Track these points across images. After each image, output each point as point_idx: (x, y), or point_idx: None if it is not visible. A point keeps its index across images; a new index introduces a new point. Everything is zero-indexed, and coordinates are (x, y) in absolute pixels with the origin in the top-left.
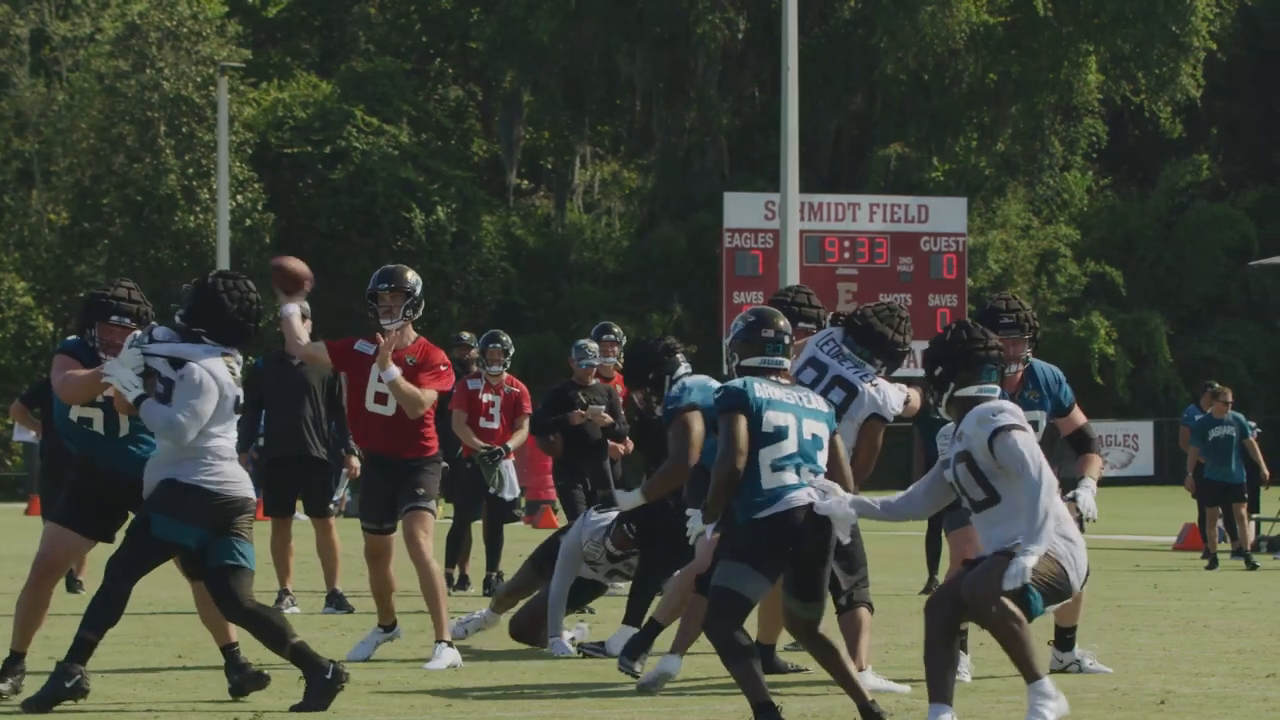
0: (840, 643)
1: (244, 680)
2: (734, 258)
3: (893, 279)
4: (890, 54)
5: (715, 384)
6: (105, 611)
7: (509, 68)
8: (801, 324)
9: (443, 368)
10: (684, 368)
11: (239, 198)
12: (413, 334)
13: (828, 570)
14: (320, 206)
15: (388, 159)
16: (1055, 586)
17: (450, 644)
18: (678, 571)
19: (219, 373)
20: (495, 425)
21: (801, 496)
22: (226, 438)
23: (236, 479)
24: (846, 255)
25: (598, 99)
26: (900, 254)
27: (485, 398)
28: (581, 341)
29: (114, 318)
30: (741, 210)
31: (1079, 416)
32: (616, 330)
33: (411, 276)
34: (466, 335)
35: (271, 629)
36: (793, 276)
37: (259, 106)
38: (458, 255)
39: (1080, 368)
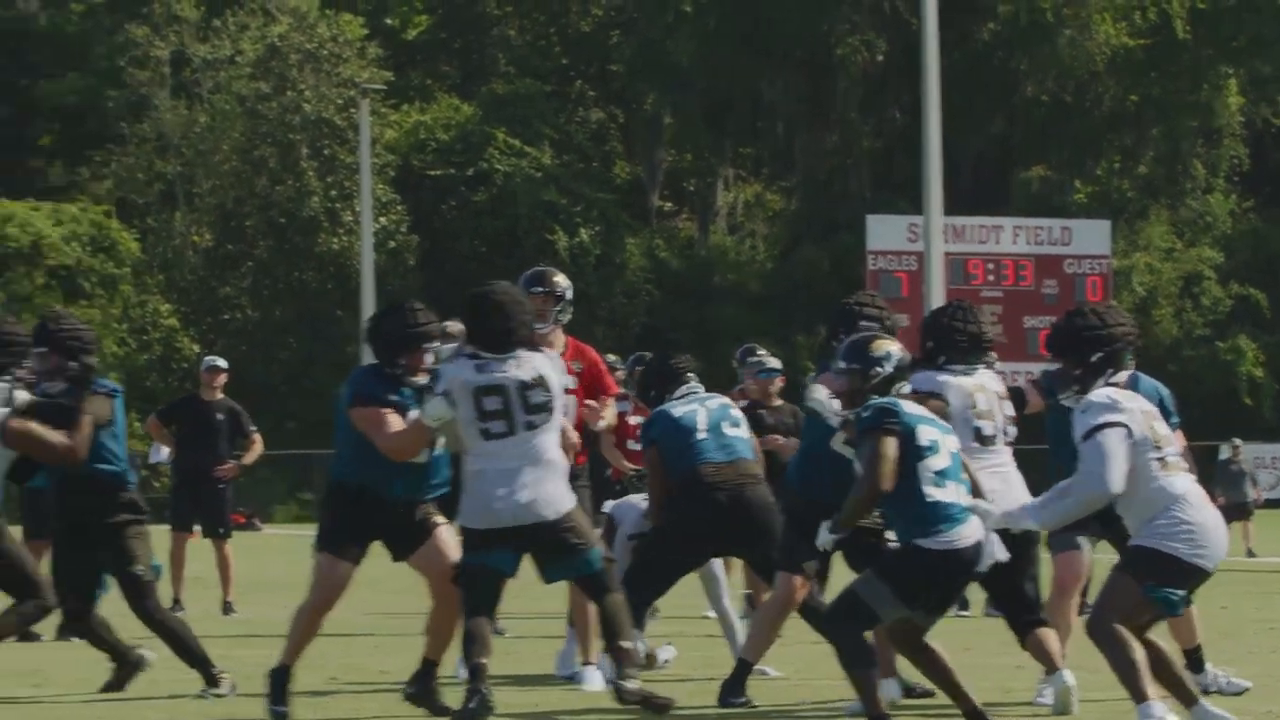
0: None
1: (421, 695)
2: (878, 279)
3: (1037, 301)
4: (1030, 77)
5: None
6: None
7: (649, 90)
8: (863, 322)
9: (603, 366)
10: (691, 386)
11: (382, 220)
12: (562, 337)
13: (1028, 579)
14: (463, 229)
15: (530, 181)
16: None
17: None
18: (760, 606)
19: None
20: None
21: (968, 533)
22: None
23: None
24: (991, 278)
25: (738, 121)
26: (1045, 276)
27: (633, 420)
28: (756, 355)
29: (426, 344)
30: (885, 232)
31: (1179, 439)
32: (761, 352)
33: (561, 279)
34: (612, 357)
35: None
36: (937, 298)
37: (400, 129)
38: (602, 277)
39: (1228, 390)
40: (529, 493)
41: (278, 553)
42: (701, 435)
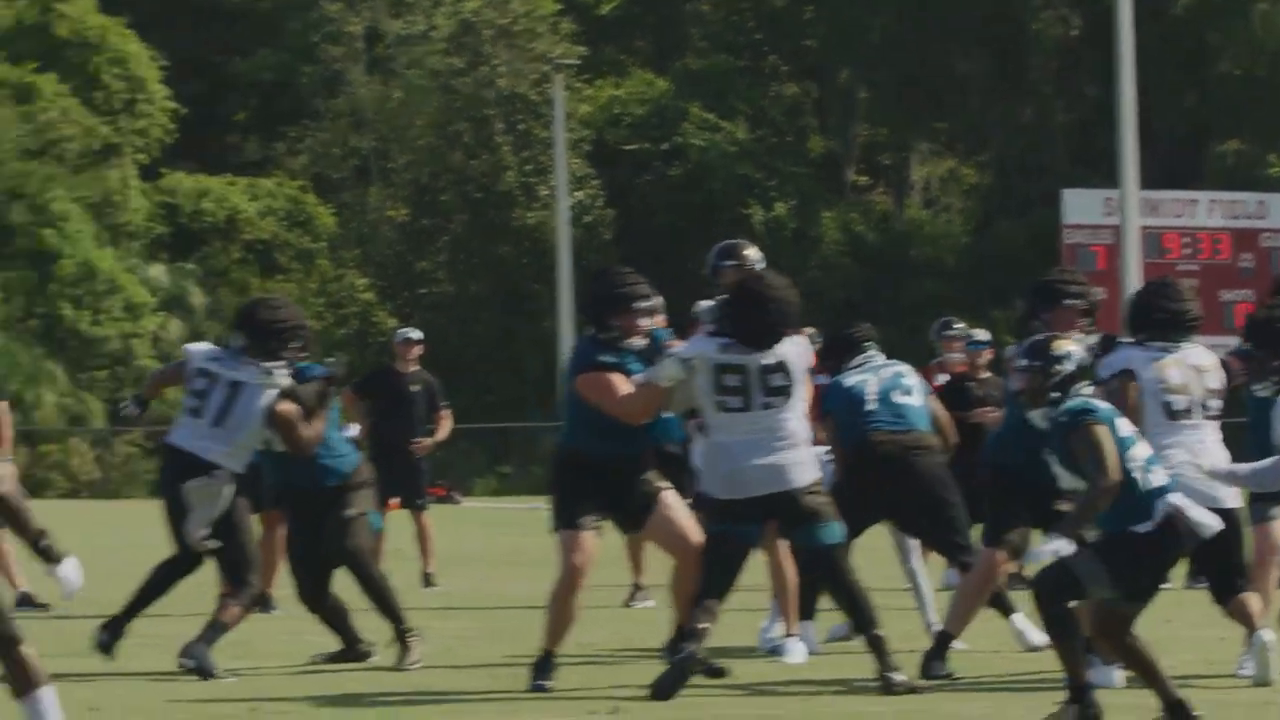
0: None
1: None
2: (1075, 254)
3: (1233, 275)
4: (1224, 51)
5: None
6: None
7: (843, 65)
8: (1066, 300)
9: None
10: (868, 355)
11: (578, 194)
12: None
13: (1237, 546)
14: (658, 203)
15: (725, 155)
16: None
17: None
18: (961, 581)
19: None
20: None
21: (1183, 510)
22: None
23: None
24: (1186, 251)
25: (932, 96)
26: (1241, 250)
27: None
28: (954, 329)
29: (635, 304)
30: (1081, 206)
31: None
32: (959, 325)
33: (753, 252)
34: (810, 330)
35: None
36: (1133, 273)
37: (595, 103)
38: (798, 252)
39: None
40: (770, 462)
41: (477, 526)
42: (871, 405)
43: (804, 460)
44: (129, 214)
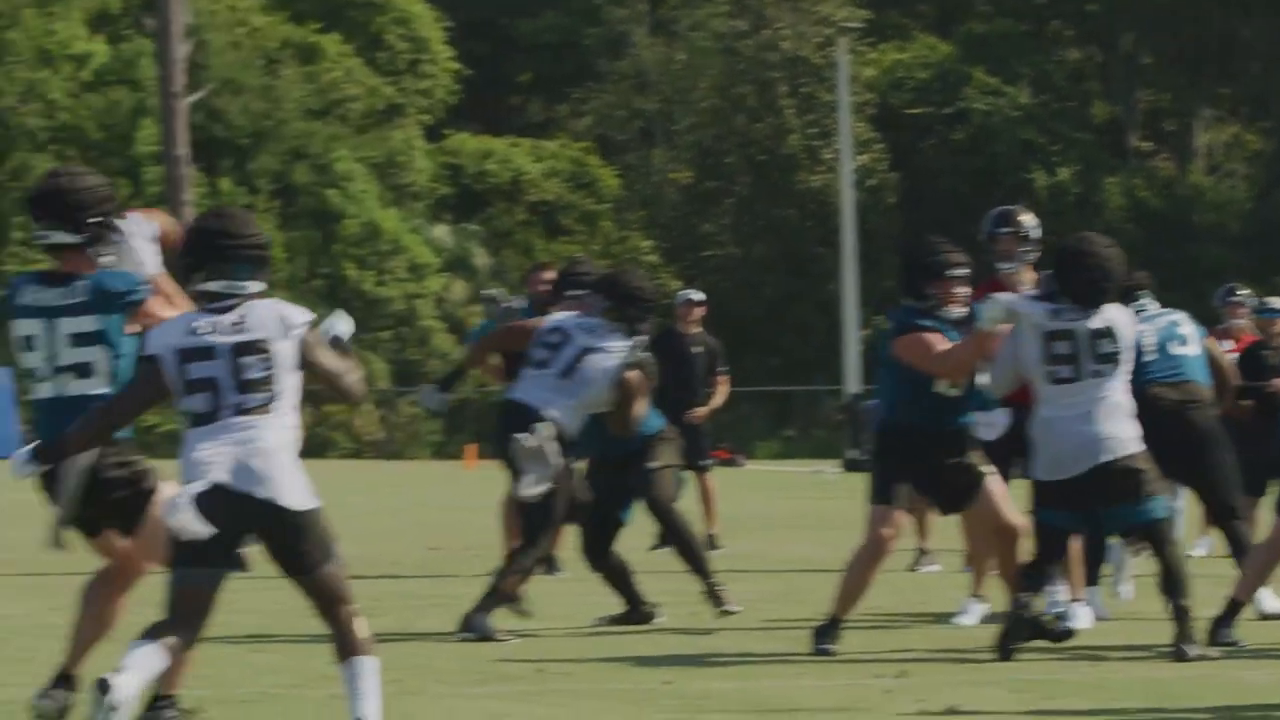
0: None
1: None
2: None
3: None
4: None
5: None
6: None
7: (1126, 30)
8: None
9: None
10: (1142, 304)
11: (861, 158)
12: (1031, 277)
13: None
14: (942, 167)
15: (1008, 120)
16: None
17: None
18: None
19: None
20: None
21: None
22: None
23: None
24: None
25: (1216, 62)
26: None
27: None
28: (1238, 295)
29: (950, 273)
30: None
31: None
32: (1243, 291)
33: (1028, 218)
34: None
35: None
36: None
37: (879, 67)
38: (1081, 217)
39: None
40: (1093, 434)
41: (760, 489)
42: (1149, 355)
43: (1129, 434)
44: (413, 175)
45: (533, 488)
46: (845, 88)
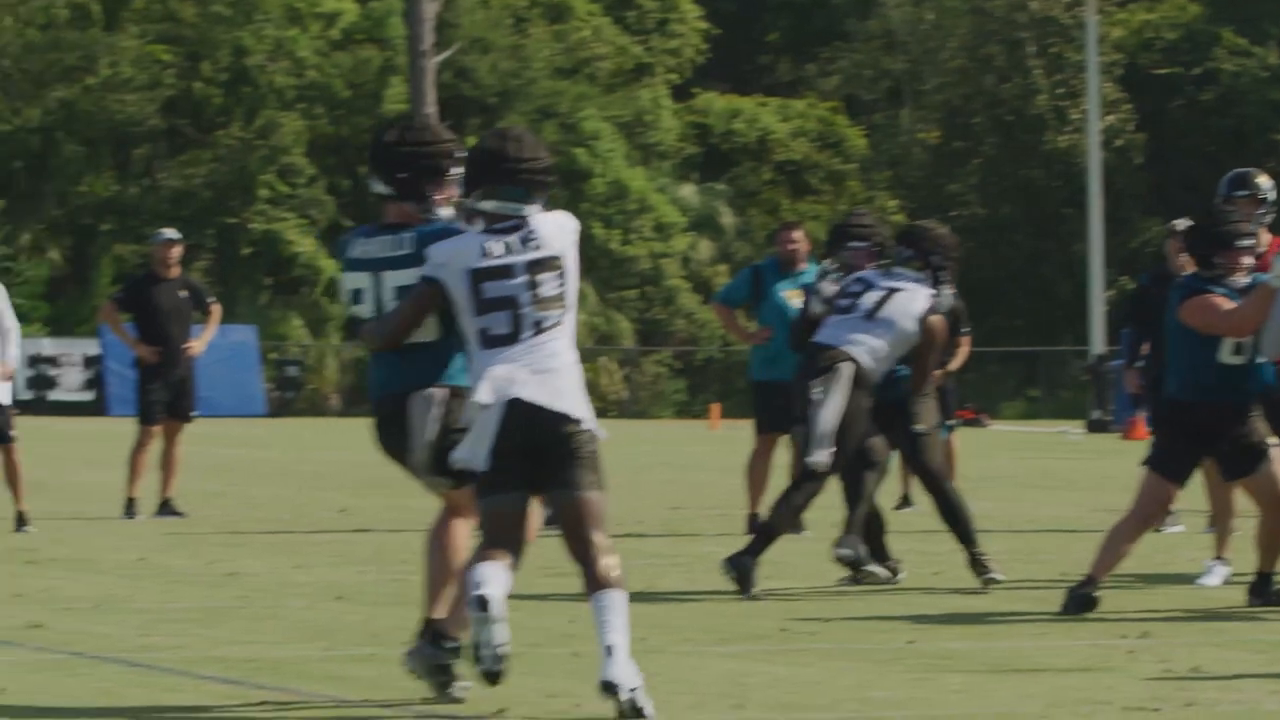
0: None
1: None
2: None
3: None
4: None
5: None
6: None
7: None
8: None
9: None
10: None
11: (1109, 118)
12: (1267, 238)
13: None
14: (1190, 127)
15: (1257, 81)
16: None
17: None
18: None
19: None
20: None
21: None
22: None
23: None
24: None
25: None
26: None
27: None
28: None
29: (1238, 243)
30: None
31: None
32: None
33: (1264, 180)
34: None
35: None
36: None
37: (1127, 28)
38: None
39: None
40: None
41: (1004, 449)
42: None
43: None
44: (660, 134)
45: (820, 454)
46: (1094, 48)
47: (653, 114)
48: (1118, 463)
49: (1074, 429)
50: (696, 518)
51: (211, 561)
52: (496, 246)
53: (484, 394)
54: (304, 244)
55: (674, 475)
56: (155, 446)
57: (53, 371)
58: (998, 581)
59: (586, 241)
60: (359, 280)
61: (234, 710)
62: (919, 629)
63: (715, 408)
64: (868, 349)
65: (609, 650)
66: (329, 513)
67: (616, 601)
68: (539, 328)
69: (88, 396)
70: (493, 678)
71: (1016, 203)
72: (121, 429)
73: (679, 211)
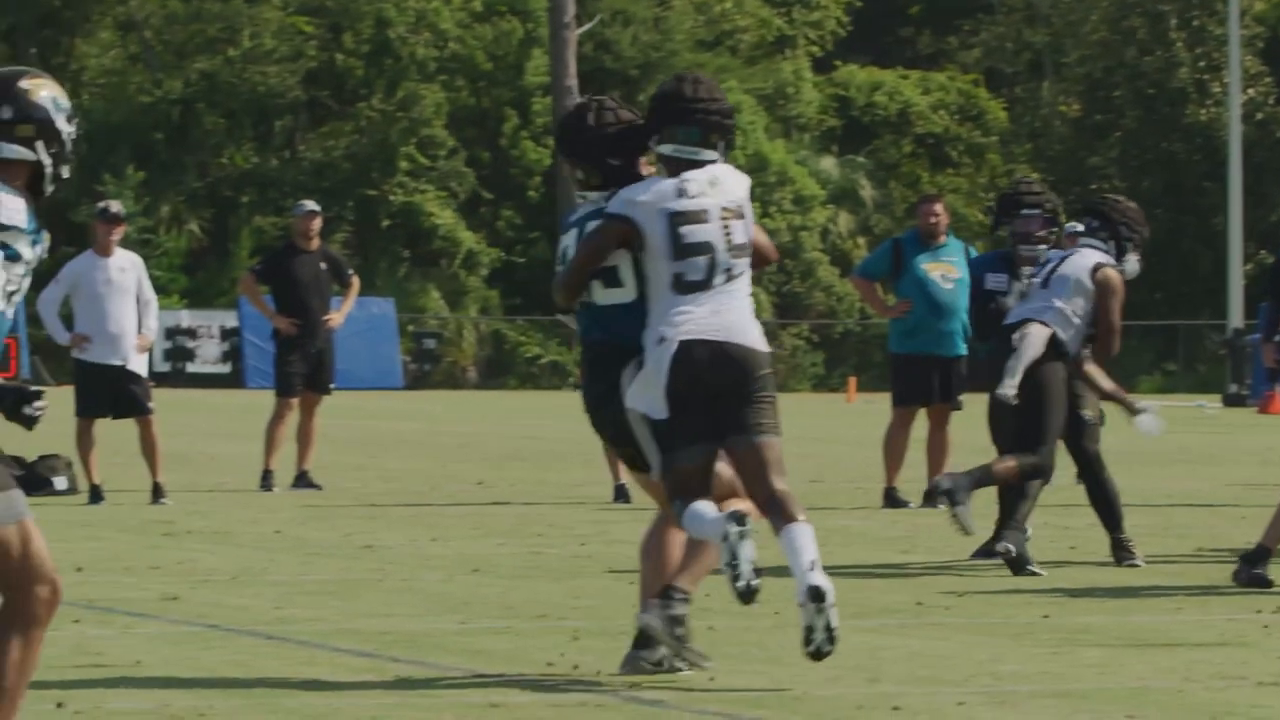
0: None
1: None
2: None
3: None
4: None
5: None
6: None
7: None
8: None
9: None
10: None
11: (1250, 91)
12: None
13: None
14: None
15: None
16: None
17: None
18: None
19: None
20: None
21: None
22: None
23: None
24: None
25: None
26: None
27: None
28: None
29: None
30: None
31: None
32: None
33: None
34: None
35: None
36: None
37: (1270, 1)
38: None
39: None
40: None
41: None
42: None
43: None
44: (801, 106)
45: (1008, 387)
46: (1236, 21)
47: (794, 86)
48: (1254, 437)
49: (1211, 403)
50: (834, 491)
51: (348, 534)
52: (693, 187)
53: (670, 336)
54: (443, 216)
55: (811, 449)
56: (292, 419)
57: (190, 344)
58: (1138, 567)
59: None
60: (566, 239)
61: (370, 683)
62: (1054, 603)
63: (853, 381)
64: (1054, 313)
65: (811, 565)
66: (466, 485)
67: (804, 532)
68: (729, 274)
69: (225, 369)
70: (748, 595)
71: (1156, 176)
72: (259, 401)
73: (819, 184)
